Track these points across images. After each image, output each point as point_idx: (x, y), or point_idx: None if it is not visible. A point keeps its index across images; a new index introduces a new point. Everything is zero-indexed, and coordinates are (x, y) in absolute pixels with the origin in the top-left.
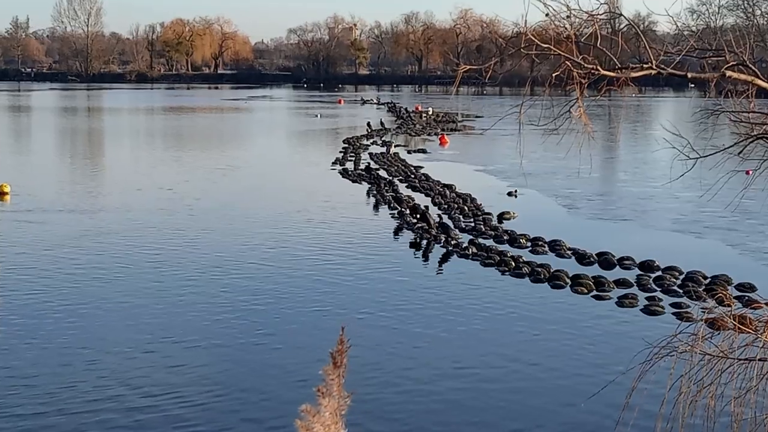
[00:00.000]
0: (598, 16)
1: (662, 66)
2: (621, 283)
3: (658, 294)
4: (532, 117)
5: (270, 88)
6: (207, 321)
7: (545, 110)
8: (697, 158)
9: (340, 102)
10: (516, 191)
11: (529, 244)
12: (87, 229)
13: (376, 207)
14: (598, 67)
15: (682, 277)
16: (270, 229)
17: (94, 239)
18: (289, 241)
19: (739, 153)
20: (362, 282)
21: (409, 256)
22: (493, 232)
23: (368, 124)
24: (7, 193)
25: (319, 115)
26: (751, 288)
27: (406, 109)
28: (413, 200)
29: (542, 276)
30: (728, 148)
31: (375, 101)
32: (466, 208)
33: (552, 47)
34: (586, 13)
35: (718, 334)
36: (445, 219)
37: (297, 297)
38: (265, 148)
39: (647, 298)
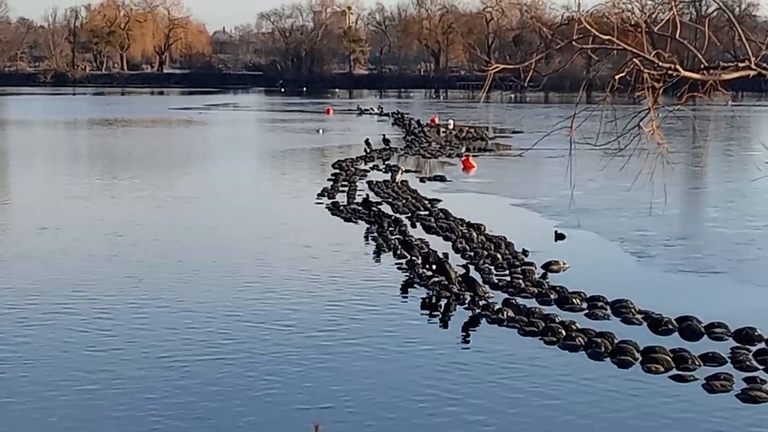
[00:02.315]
0: None
1: (764, 65)
2: (710, 358)
3: (761, 374)
4: (587, 133)
5: (234, 94)
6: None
7: (606, 124)
8: None
9: (328, 112)
10: (563, 234)
11: (584, 305)
12: None
13: (377, 255)
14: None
15: None
16: (233, 287)
17: None
18: (257, 305)
19: None
20: (356, 359)
21: (421, 322)
22: (535, 289)
23: (367, 143)
24: None
25: (321, 131)
26: None
27: (418, 121)
28: (427, 246)
29: (603, 349)
30: None
31: (376, 111)
32: (499, 256)
33: (614, 39)
34: None
35: None
36: (471, 271)
37: (268, 383)
38: (227, 176)
39: (746, 380)
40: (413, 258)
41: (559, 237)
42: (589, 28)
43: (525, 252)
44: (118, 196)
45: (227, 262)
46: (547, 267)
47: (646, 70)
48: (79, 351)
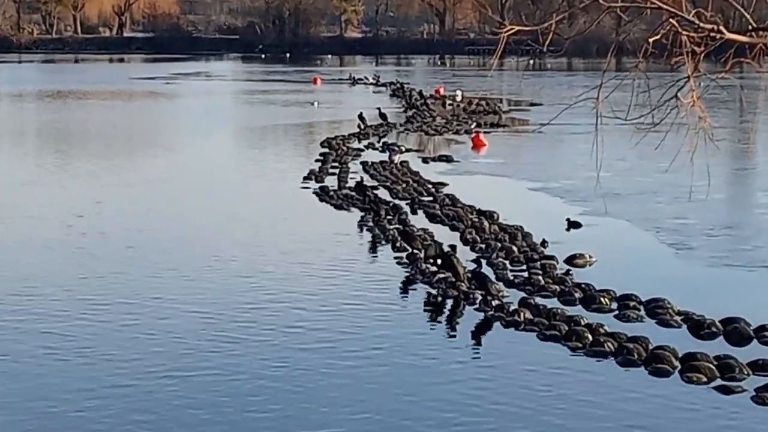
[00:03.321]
0: None
1: None
2: (760, 366)
3: None
4: (617, 105)
5: (206, 61)
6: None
7: (638, 95)
8: None
9: (315, 82)
10: (578, 221)
11: (614, 305)
12: None
13: (372, 248)
14: (721, 28)
15: None
16: (206, 288)
17: None
18: (235, 307)
19: None
20: (349, 369)
21: (424, 325)
22: (557, 287)
23: (360, 117)
24: None
25: (316, 103)
26: None
27: (420, 92)
28: (431, 237)
29: (636, 356)
30: None
31: (371, 80)
32: (514, 248)
33: None
34: None
35: None
36: (483, 266)
37: (254, 393)
38: (198, 157)
39: None
40: (415, 251)
41: (573, 225)
42: None
43: (545, 243)
44: (75, 181)
45: (199, 258)
46: (571, 261)
47: (684, 32)
48: (33, 353)
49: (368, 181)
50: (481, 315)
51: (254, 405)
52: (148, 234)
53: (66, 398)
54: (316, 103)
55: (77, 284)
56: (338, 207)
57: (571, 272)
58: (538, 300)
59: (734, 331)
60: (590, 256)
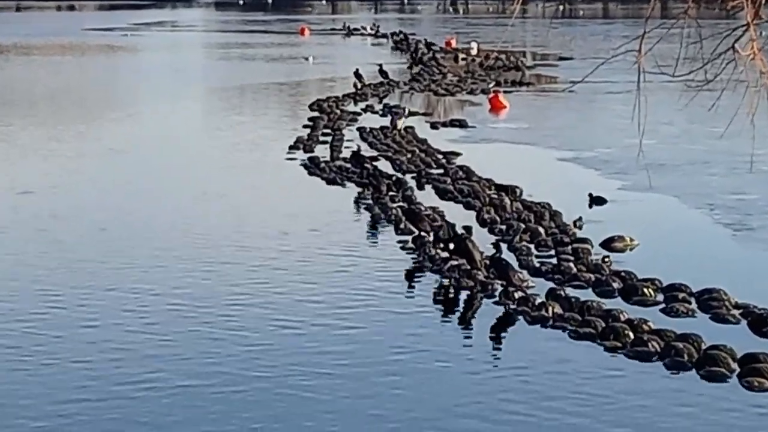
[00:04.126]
0: None
1: None
2: None
3: None
4: (662, 59)
5: (172, 8)
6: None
7: (687, 47)
8: None
9: (302, 33)
10: (602, 197)
11: (660, 297)
12: None
13: (372, 230)
14: None
15: None
16: (181, 278)
17: None
18: (216, 301)
19: None
20: (351, 372)
21: (433, 321)
22: (592, 276)
23: (356, 75)
24: None
25: (311, 58)
26: None
27: (428, 45)
28: (442, 217)
29: (686, 357)
30: None
31: (369, 31)
32: (541, 230)
33: None
34: None
35: None
36: (504, 251)
37: (245, 398)
38: (166, 122)
39: None
40: (422, 234)
41: (597, 201)
42: None
43: (578, 223)
44: (20, 152)
45: (170, 243)
46: (609, 245)
47: None
48: None
49: (366, 151)
50: (502, 309)
51: (244, 406)
52: (112, 214)
53: (21, 404)
54: (310, 58)
55: (30, 275)
56: (331, 181)
57: (608, 258)
58: (570, 291)
59: None
60: (631, 239)
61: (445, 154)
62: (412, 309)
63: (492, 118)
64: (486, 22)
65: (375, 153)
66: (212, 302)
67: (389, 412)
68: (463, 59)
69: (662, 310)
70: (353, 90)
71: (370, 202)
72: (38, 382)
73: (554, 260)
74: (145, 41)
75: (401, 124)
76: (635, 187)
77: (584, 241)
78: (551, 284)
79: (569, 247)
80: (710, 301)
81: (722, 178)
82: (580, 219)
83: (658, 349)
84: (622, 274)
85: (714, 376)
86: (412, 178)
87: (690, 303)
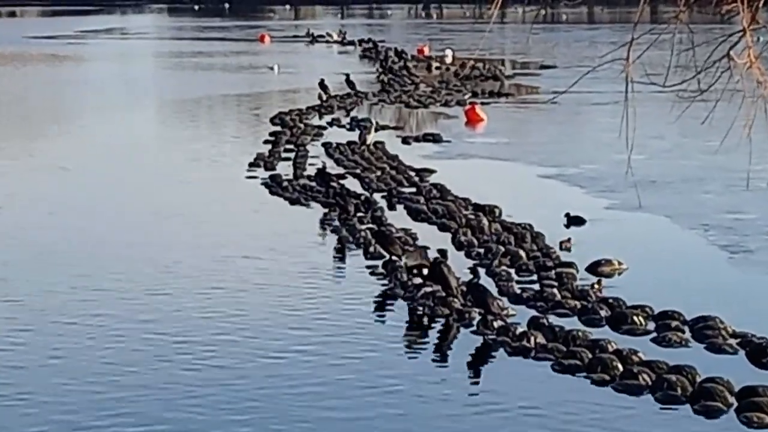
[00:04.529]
0: None
1: None
2: None
3: None
4: (652, 67)
5: (122, 14)
6: None
7: (679, 54)
8: None
9: (262, 40)
10: (580, 216)
11: (651, 325)
12: None
13: (339, 254)
14: None
15: None
16: (135, 300)
17: None
18: (169, 330)
19: None
20: (311, 411)
21: (406, 352)
22: (578, 303)
23: (322, 86)
24: None
25: (276, 67)
26: None
27: (399, 52)
28: (414, 240)
29: (680, 391)
30: None
31: (336, 38)
32: (522, 253)
33: None
34: None
35: None
36: (482, 276)
37: None
38: (115, 137)
39: None
40: (393, 258)
41: (574, 221)
42: None
43: (566, 244)
44: None
45: (120, 265)
46: (595, 269)
47: None
48: None
49: (332, 168)
50: (480, 340)
51: None
52: (60, 234)
53: None
54: (275, 67)
55: None
56: (294, 201)
57: (596, 287)
58: (553, 320)
59: None
60: (620, 263)
61: (418, 171)
62: (382, 340)
63: (468, 132)
64: (461, 27)
65: (342, 170)
66: (164, 328)
67: None
68: (436, 68)
69: (653, 340)
70: (318, 102)
71: (337, 223)
72: None
73: (537, 286)
74: (92, 50)
75: (370, 138)
76: (624, 207)
77: (569, 265)
78: (533, 312)
79: (553, 272)
80: (705, 330)
81: (717, 196)
82: (568, 240)
83: (650, 382)
84: (610, 300)
85: (710, 411)
86: (383, 197)
87: (683, 332)
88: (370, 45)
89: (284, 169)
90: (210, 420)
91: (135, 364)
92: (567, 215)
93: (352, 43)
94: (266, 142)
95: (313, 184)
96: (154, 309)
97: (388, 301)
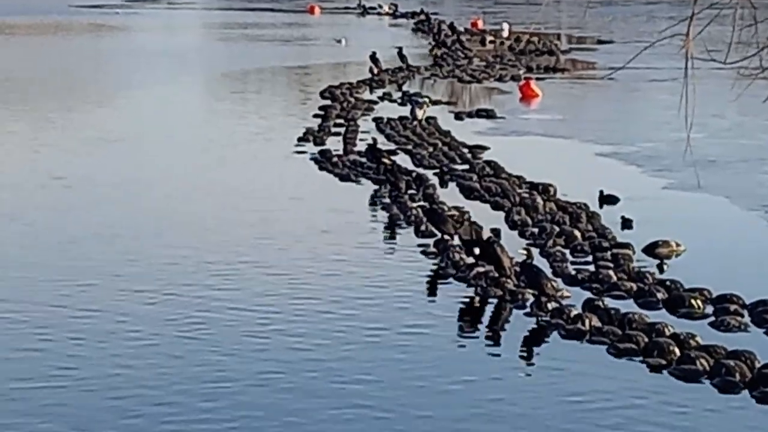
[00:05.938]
0: None
1: None
2: None
3: None
4: (713, 44)
5: None
6: None
7: (741, 30)
8: None
9: (312, 11)
10: (613, 195)
11: (709, 309)
12: None
13: (389, 232)
14: None
15: None
16: (185, 280)
17: None
18: (220, 309)
19: None
20: (361, 391)
21: (458, 334)
22: (634, 285)
23: (373, 59)
24: None
25: (343, 41)
26: None
27: (452, 26)
28: (467, 218)
29: (738, 377)
30: None
31: (387, 9)
32: (577, 233)
33: None
34: None
35: None
36: (535, 256)
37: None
38: (163, 110)
39: None
40: (445, 237)
41: (607, 200)
42: None
43: (628, 223)
44: (8, 142)
45: (170, 243)
46: (652, 250)
47: None
48: None
49: (383, 144)
50: (534, 322)
51: (252, 419)
52: (107, 210)
53: None
54: (343, 40)
55: (20, 280)
56: (344, 178)
57: (652, 265)
58: (609, 302)
59: None
60: (677, 245)
61: (470, 147)
62: (433, 321)
63: (523, 108)
64: (516, 1)
65: (393, 146)
66: (216, 308)
67: (410, 430)
68: (491, 42)
69: (711, 324)
70: (369, 76)
71: (388, 201)
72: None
73: (592, 267)
74: (139, 20)
75: (422, 114)
76: (682, 187)
77: (625, 246)
78: (588, 294)
79: (608, 253)
80: (765, 314)
81: None
82: (630, 221)
83: (707, 368)
84: (667, 283)
85: None
86: (434, 174)
87: (742, 316)
88: (423, 18)
89: (334, 144)
90: (271, 394)
91: (177, 334)
92: (600, 193)
93: (404, 15)
94: (316, 116)
95: (364, 159)
96: (206, 284)
97: (440, 281)
